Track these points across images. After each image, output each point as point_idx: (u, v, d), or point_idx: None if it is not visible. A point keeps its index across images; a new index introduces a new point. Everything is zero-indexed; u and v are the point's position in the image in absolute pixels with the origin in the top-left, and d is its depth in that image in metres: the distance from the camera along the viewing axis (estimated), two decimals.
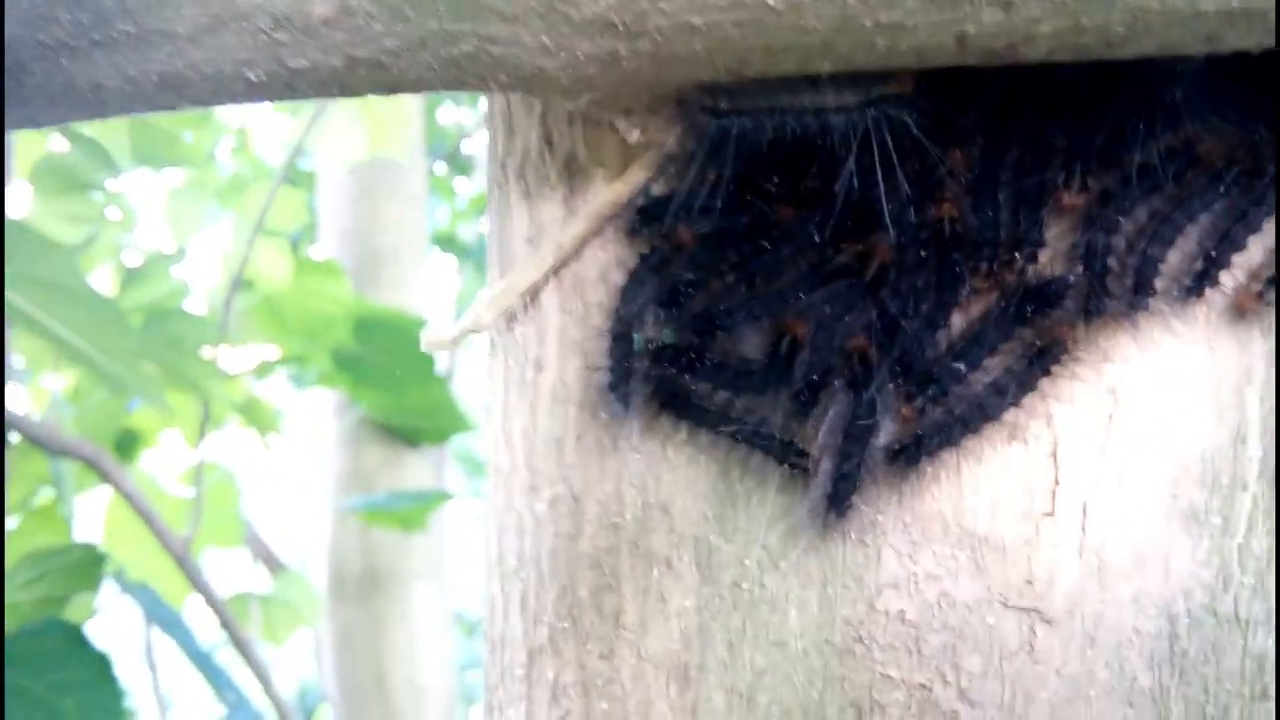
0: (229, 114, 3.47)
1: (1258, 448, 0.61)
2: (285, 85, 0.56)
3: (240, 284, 2.33)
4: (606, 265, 0.65)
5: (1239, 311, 0.59)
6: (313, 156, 3.09)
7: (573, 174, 0.65)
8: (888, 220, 0.58)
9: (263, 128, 3.49)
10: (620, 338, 0.63)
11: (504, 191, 0.69)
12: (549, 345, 0.68)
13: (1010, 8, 0.48)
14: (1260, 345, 0.61)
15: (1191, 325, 0.60)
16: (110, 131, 2.16)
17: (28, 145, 2.34)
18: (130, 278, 2.50)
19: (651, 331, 0.63)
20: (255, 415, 2.63)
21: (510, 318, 0.69)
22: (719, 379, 0.62)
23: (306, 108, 2.39)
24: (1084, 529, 0.61)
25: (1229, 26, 0.48)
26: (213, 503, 2.38)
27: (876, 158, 0.56)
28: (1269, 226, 0.59)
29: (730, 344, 0.63)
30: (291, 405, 3.29)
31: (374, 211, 2.73)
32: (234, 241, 2.58)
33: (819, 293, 0.60)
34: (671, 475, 0.66)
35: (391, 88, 0.57)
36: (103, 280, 2.70)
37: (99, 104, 0.58)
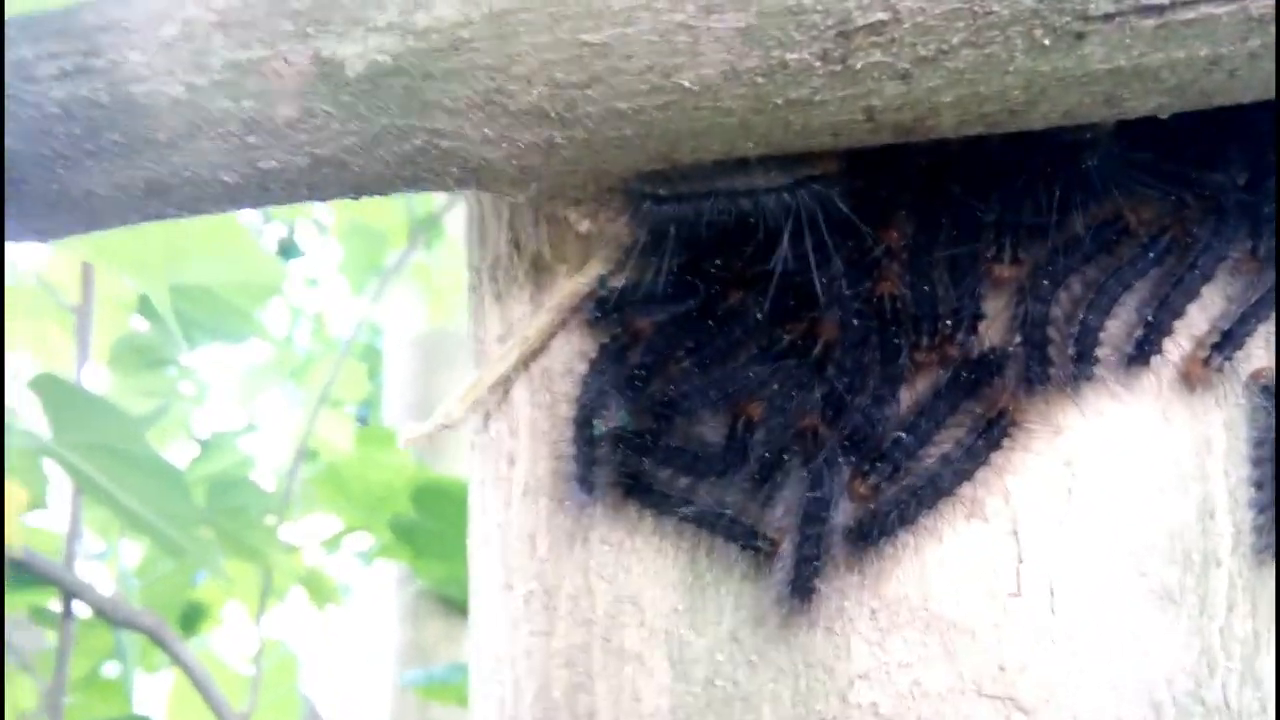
0: (307, 298, 3.64)
1: (1228, 522, 0.59)
2: (259, 187, 0.60)
3: (305, 455, 2.39)
4: (572, 357, 0.67)
5: (1189, 381, 0.59)
6: (380, 333, 3.21)
7: (539, 272, 0.68)
8: (827, 298, 0.59)
9: (338, 311, 3.65)
10: (583, 426, 0.64)
11: (479, 295, 0.72)
12: (520, 439, 0.69)
13: (909, 78, 0.50)
14: (1218, 414, 0.60)
15: (1143, 396, 0.60)
16: (187, 307, 2.27)
17: (109, 324, 2.47)
18: (199, 449, 2.59)
19: (613, 418, 0.64)
20: (317, 587, 2.65)
21: (486, 416, 0.71)
22: (678, 463, 0.63)
23: (373, 285, 2.51)
24: (1052, 610, 0.59)
25: (1124, 87, 0.50)
26: (273, 679, 2.38)
27: (809, 238, 0.58)
28: (1210, 294, 0.59)
29: (689, 428, 0.64)
30: (355, 578, 3.31)
31: (435, 381, 2.81)
32: (300, 414, 2.66)
33: (770, 373, 0.61)
34: (640, 566, 0.66)
35: (356, 187, 0.61)
36: (172, 451, 2.80)
37: (92, 212, 0.63)
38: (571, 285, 0.66)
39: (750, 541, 0.62)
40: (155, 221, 0.66)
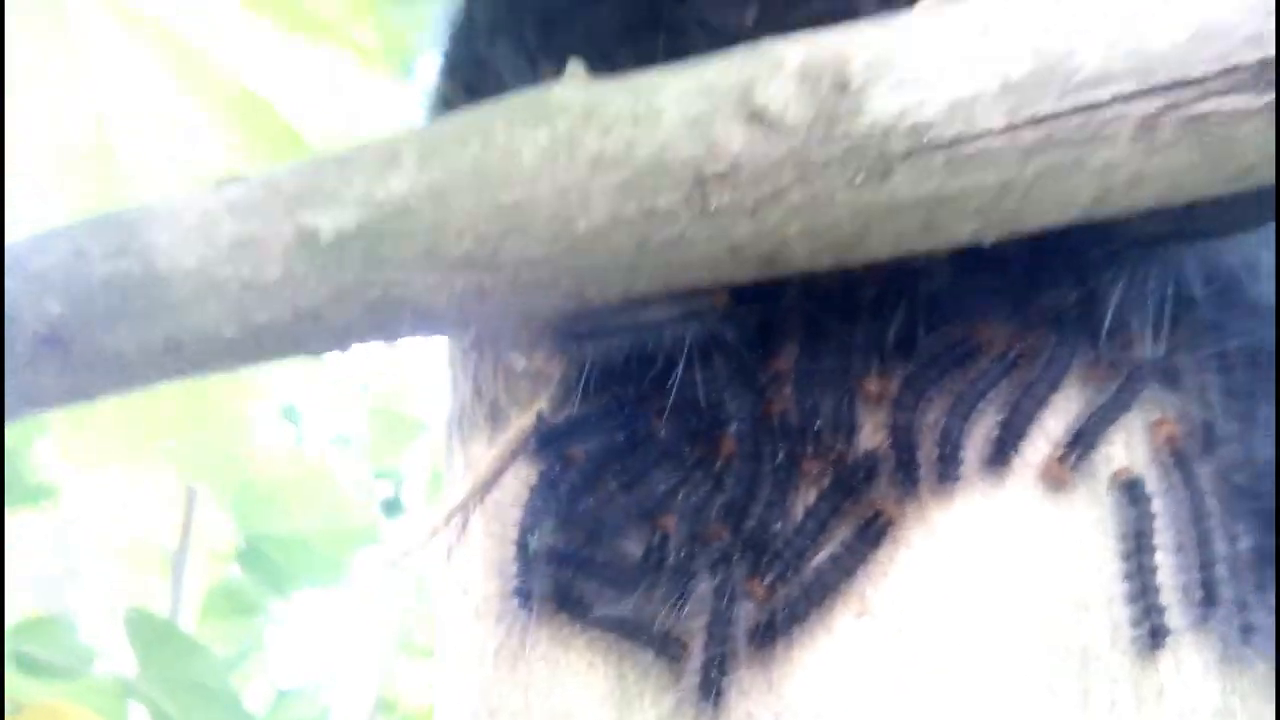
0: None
1: (1104, 616, 0.63)
2: (254, 341, 0.73)
3: (382, 706, 2.44)
4: (520, 489, 0.76)
5: (1050, 481, 0.65)
6: None
7: (495, 416, 0.78)
8: (726, 417, 0.68)
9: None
10: (522, 546, 0.72)
11: (449, 444, 0.82)
12: (475, 568, 0.77)
13: (756, 215, 0.61)
14: (1087, 513, 0.65)
15: (1015, 496, 0.66)
16: (280, 556, 2.40)
17: (204, 572, 2.61)
18: (279, 698, 2.65)
19: (547, 540, 0.72)
20: None
21: (449, 550, 0.80)
22: (603, 576, 0.70)
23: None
24: (937, 702, 0.63)
25: (935, 214, 0.60)
26: None
27: (710, 363, 0.67)
28: (1067, 401, 0.66)
29: (614, 543, 0.71)
30: None
31: None
32: (377, 663, 2.72)
33: (682, 488, 0.69)
34: (573, 680, 0.71)
35: (334, 337, 0.73)
36: (252, 697, 2.85)
37: (122, 370, 0.76)
38: (518, 423, 0.76)
39: (665, 649, 0.67)
40: (173, 379, 0.78)
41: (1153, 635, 0.63)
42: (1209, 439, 0.67)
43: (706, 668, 0.66)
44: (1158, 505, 0.66)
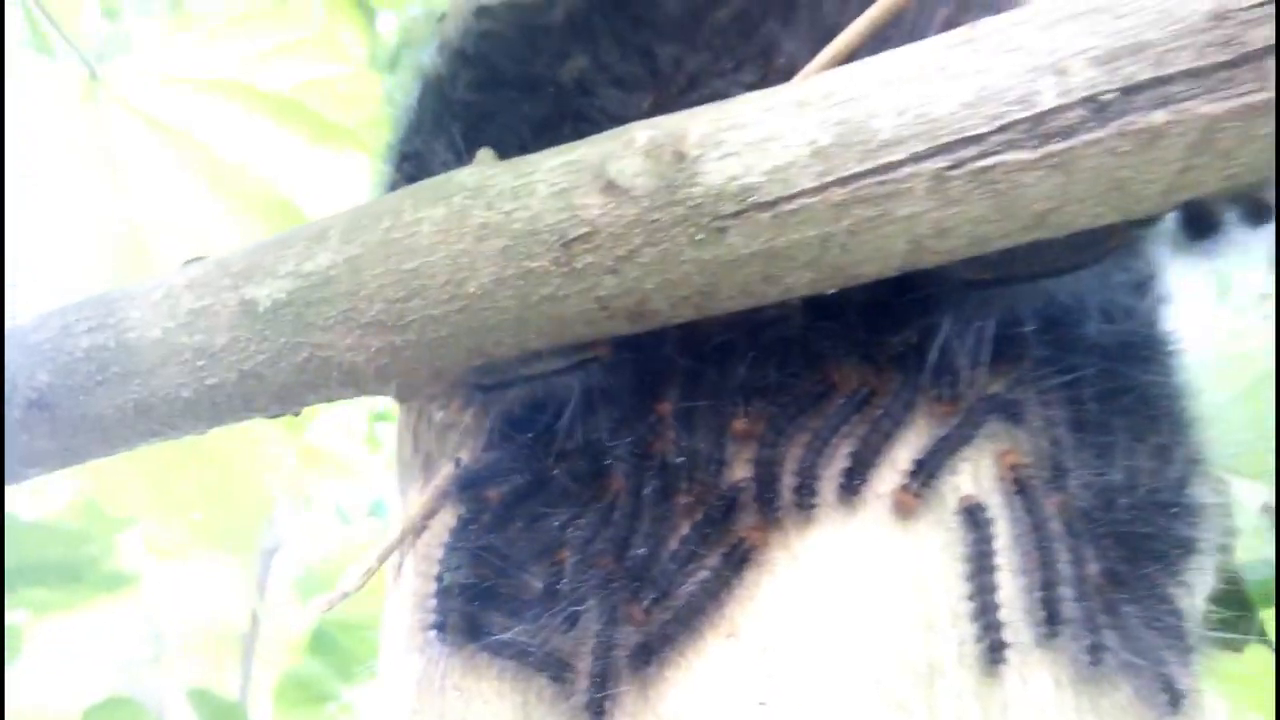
0: None
1: (951, 634, 0.68)
2: (209, 402, 0.83)
3: None
4: (444, 532, 0.84)
5: (899, 509, 0.70)
6: None
7: (428, 466, 0.87)
8: (614, 457, 0.75)
9: None
10: (441, 584, 0.80)
11: (395, 497, 0.91)
12: (405, 608, 0.85)
13: (617, 272, 0.70)
14: (934, 538, 0.71)
15: (869, 523, 0.71)
16: (348, 641, 2.50)
17: (278, 660, 2.71)
18: None
19: (459, 575, 0.79)
20: None
21: (389, 591, 0.87)
22: (509, 607, 0.77)
23: None
24: (794, 718, 0.68)
25: (772, 266, 0.68)
26: None
27: (589, 410, 0.75)
28: (912, 437, 0.72)
29: (520, 578, 0.78)
30: None
31: None
32: None
33: (578, 524, 0.76)
34: (483, 708, 0.78)
35: (276, 398, 0.82)
36: None
37: (101, 433, 0.86)
38: (445, 471, 0.84)
39: (557, 673, 0.74)
40: (147, 441, 0.88)
41: (991, 650, 0.67)
42: (1057, 468, 0.72)
43: (591, 688, 0.72)
44: (1003, 529, 0.70)
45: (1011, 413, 0.73)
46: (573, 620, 0.74)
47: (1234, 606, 1.31)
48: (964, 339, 0.70)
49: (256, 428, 1.64)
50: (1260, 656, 1.36)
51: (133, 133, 1.52)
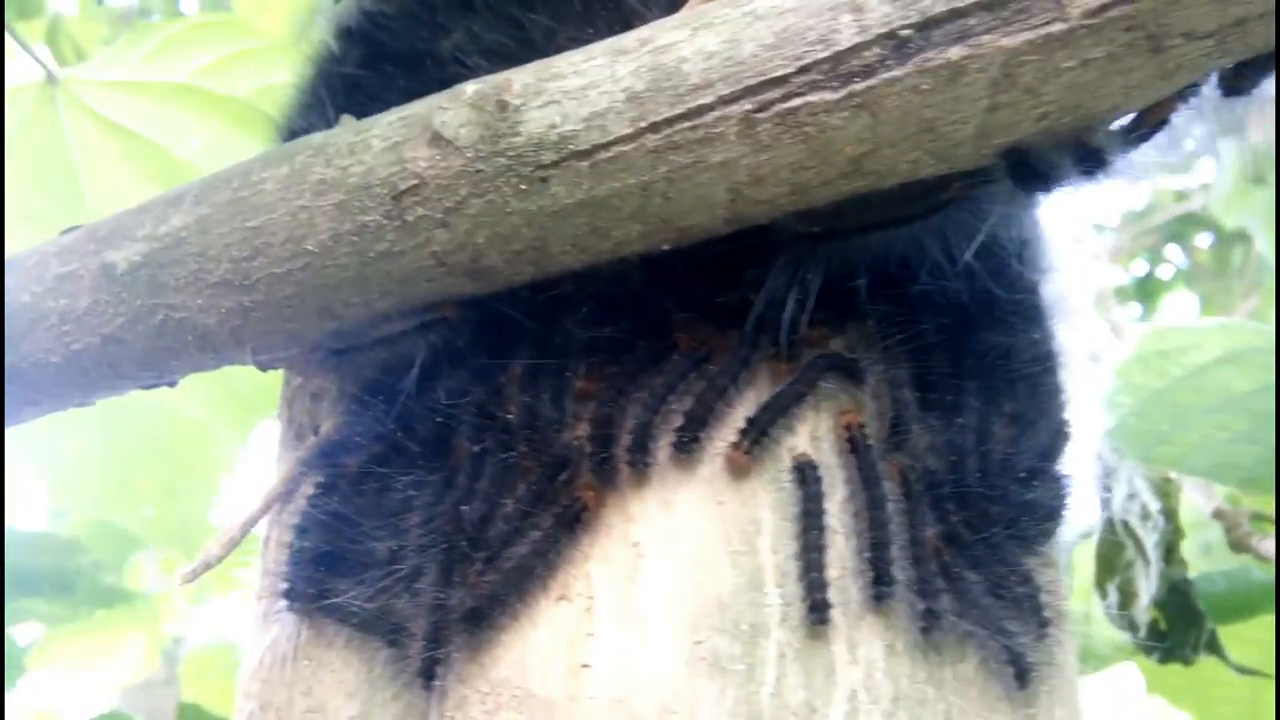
0: None
1: (776, 595, 0.67)
2: (77, 368, 0.83)
3: None
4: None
5: (731, 468, 0.69)
6: None
7: (300, 436, 0.87)
8: (460, 421, 0.75)
9: None
10: (294, 553, 0.79)
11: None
12: (267, 575, 0.84)
13: (448, 225, 0.70)
14: (765, 497, 0.69)
15: (701, 483, 0.70)
16: None
17: None
18: None
19: (309, 544, 0.78)
20: None
21: (254, 563, 0.87)
22: (355, 575, 0.76)
23: None
24: (614, 680, 0.66)
25: (597, 217, 0.68)
26: None
27: (439, 373, 0.75)
28: (752, 396, 0.71)
29: (369, 545, 0.77)
30: None
31: None
32: None
33: (422, 490, 0.75)
34: (331, 677, 0.77)
35: (139, 364, 0.83)
36: None
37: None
38: (309, 441, 0.84)
39: (395, 637, 0.73)
40: (27, 414, 0.89)
41: (812, 610, 0.65)
42: (897, 429, 0.70)
43: (424, 652, 0.70)
44: (838, 490, 0.69)
45: (850, 371, 0.71)
46: (411, 584, 0.73)
47: (1184, 618, 1.27)
48: (800, 296, 0.69)
49: (207, 427, 1.65)
50: (1212, 670, 1.31)
51: (89, 136, 1.54)
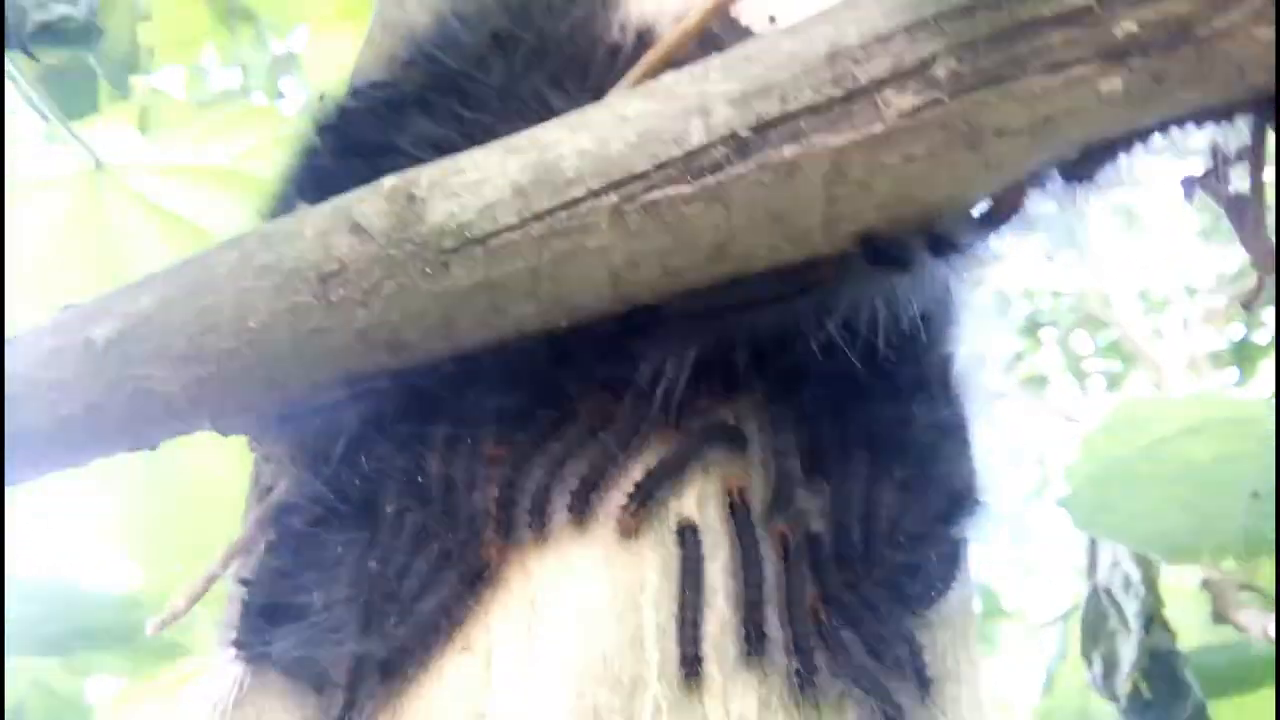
0: None
1: (655, 651, 0.72)
2: (63, 434, 0.93)
3: None
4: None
5: (621, 530, 0.75)
6: None
7: (260, 499, 0.95)
8: (384, 486, 0.82)
9: None
10: (243, 606, 0.87)
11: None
12: (223, 628, 0.92)
13: (368, 305, 0.78)
14: (652, 557, 0.75)
15: (594, 544, 0.76)
16: None
17: None
18: None
19: (258, 597, 0.86)
20: None
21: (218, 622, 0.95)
22: (292, 626, 0.84)
23: None
24: None
25: (497, 297, 0.75)
26: None
27: (358, 439, 0.82)
28: (637, 463, 0.77)
29: (306, 599, 0.85)
30: None
31: None
32: None
33: (354, 548, 0.83)
34: (280, 702, 0.84)
35: (118, 430, 0.92)
36: None
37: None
38: (268, 499, 0.92)
39: (321, 685, 0.80)
40: (21, 480, 0.99)
41: (684, 664, 0.70)
42: (780, 495, 0.75)
43: (345, 701, 0.77)
44: (723, 552, 0.74)
45: (733, 439, 0.77)
46: (335, 635, 0.80)
47: (1169, 689, 1.28)
48: (687, 369, 0.75)
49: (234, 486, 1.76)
50: None
51: (133, 218, 1.68)
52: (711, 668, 0.72)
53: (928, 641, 0.78)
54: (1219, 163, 0.68)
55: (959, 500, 0.81)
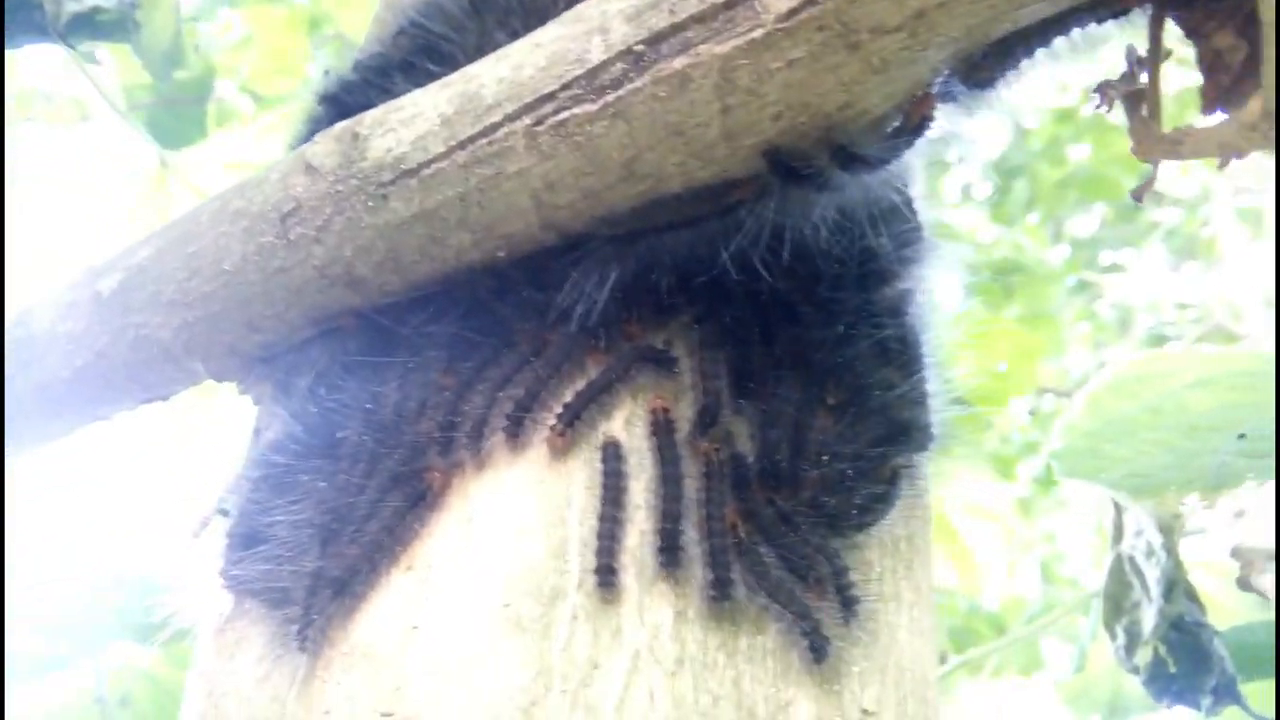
0: None
1: (577, 563, 0.75)
2: (81, 383, 1.01)
3: None
4: None
5: (552, 449, 0.78)
6: None
7: (255, 442, 1.00)
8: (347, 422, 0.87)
9: None
10: (230, 540, 0.93)
11: None
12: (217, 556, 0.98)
13: (321, 241, 0.83)
14: (580, 475, 0.78)
15: (528, 464, 0.79)
16: None
17: None
18: None
19: (239, 528, 0.91)
20: None
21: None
22: (263, 550, 0.89)
23: None
24: (435, 639, 0.76)
25: (433, 226, 0.79)
26: None
27: (327, 375, 0.87)
28: (570, 386, 0.79)
29: (276, 527, 0.89)
30: None
31: None
32: None
33: (318, 478, 0.88)
34: (246, 643, 0.89)
35: (127, 378, 0.99)
36: None
37: (24, 414, 1.06)
38: (258, 440, 0.98)
39: (282, 604, 0.84)
40: (61, 428, 1.07)
41: (598, 574, 0.72)
42: (705, 415, 0.77)
43: (302, 619, 0.81)
44: (647, 470, 0.76)
45: (662, 362, 0.78)
46: (297, 559, 0.84)
47: (1194, 661, 1.24)
48: (606, 291, 0.77)
49: None
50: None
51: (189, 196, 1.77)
52: (628, 579, 0.74)
53: (858, 564, 0.78)
54: (1131, 65, 0.67)
55: (900, 428, 0.81)
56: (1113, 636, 1.24)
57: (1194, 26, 0.60)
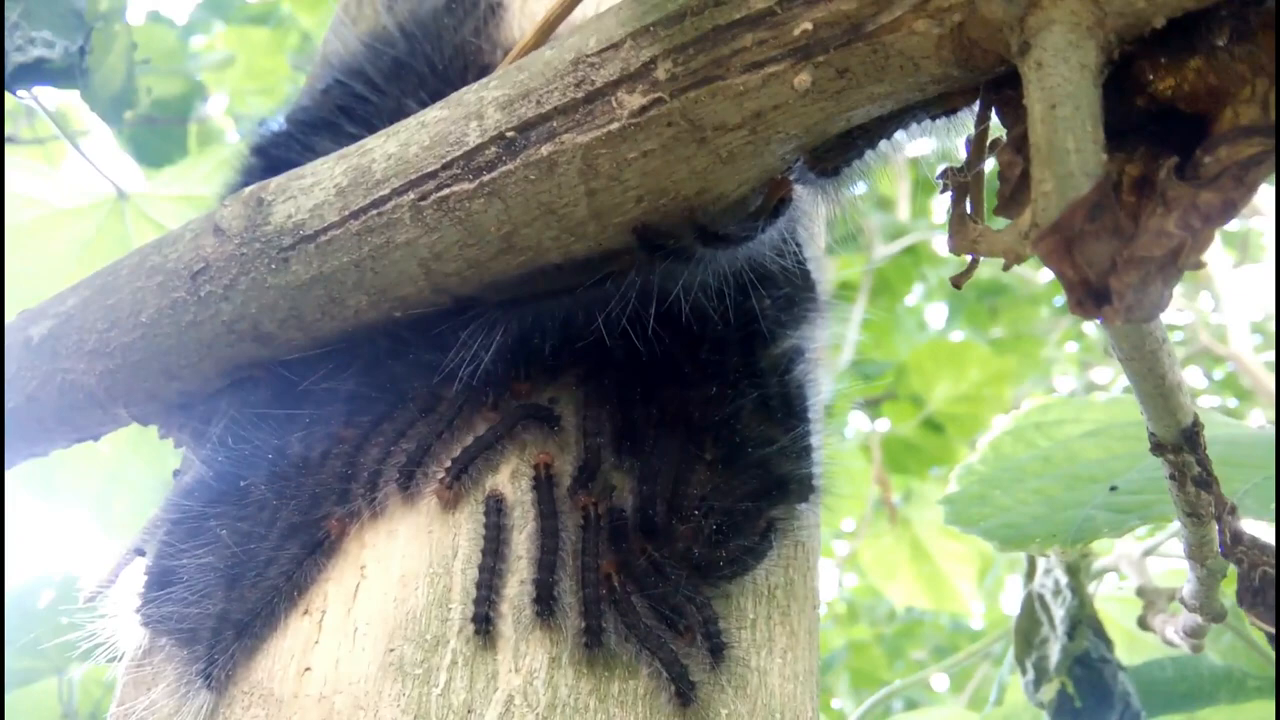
0: None
1: (458, 610, 0.80)
2: (15, 425, 1.06)
3: None
4: None
5: (440, 501, 0.83)
6: None
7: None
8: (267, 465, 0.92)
9: None
10: (147, 573, 0.98)
11: None
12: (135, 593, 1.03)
13: (228, 298, 0.88)
14: (466, 527, 0.83)
15: (419, 515, 0.85)
16: None
17: None
18: None
19: (154, 568, 0.97)
20: None
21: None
22: (174, 590, 0.94)
23: None
24: (324, 680, 0.81)
25: (333, 289, 0.85)
26: None
27: (235, 423, 0.93)
28: (456, 445, 0.85)
29: (186, 567, 0.95)
30: None
31: None
32: None
33: (225, 521, 0.93)
34: (161, 680, 0.94)
35: (55, 420, 1.04)
36: None
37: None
38: (176, 482, 1.03)
39: (189, 643, 0.89)
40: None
41: (475, 621, 0.78)
42: (585, 470, 0.82)
43: (207, 658, 0.87)
44: (530, 523, 0.81)
45: (547, 419, 0.84)
46: (205, 599, 0.90)
47: (1096, 697, 1.29)
48: (492, 352, 0.83)
49: None
50: None
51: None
52: (506, 626, 0.80)
53: (731, 612, 0.83)
54: (969, 156, 0.73)
55: (777, 482, 0.87)
56: (1023, 671, 1.30)
57: (985, 140, 0.66)
